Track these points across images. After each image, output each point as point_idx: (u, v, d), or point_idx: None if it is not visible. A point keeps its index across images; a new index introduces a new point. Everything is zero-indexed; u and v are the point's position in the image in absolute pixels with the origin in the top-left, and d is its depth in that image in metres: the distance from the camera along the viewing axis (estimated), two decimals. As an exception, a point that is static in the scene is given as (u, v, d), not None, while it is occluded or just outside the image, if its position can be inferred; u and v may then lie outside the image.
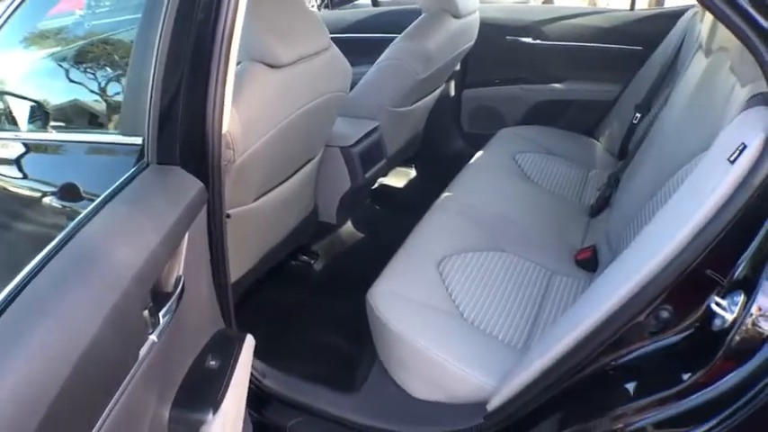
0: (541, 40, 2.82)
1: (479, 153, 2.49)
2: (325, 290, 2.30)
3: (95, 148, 1.43)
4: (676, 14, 2.56)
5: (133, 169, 1.14)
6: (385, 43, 2.46)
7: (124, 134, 1.29)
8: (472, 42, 2.62)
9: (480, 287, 1.72)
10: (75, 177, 1.30)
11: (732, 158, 1.06)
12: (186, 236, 1.11)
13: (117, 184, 1.09)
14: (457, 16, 2.42)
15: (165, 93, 1.14)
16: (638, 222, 1.66)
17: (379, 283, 1.68)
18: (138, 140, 1.20)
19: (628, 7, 2.88)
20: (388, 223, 2.64)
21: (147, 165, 1.16)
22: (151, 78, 1.14)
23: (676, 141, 1.66)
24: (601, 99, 2.78)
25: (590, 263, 1.89)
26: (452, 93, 3.00)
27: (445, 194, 2.12)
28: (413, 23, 2.39)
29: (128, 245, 0.96)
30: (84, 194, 1.27)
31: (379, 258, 1.82)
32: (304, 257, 2.42)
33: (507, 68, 2.91)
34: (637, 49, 2.68)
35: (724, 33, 1.64)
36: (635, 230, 1.65)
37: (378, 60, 2.33)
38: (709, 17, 1.82)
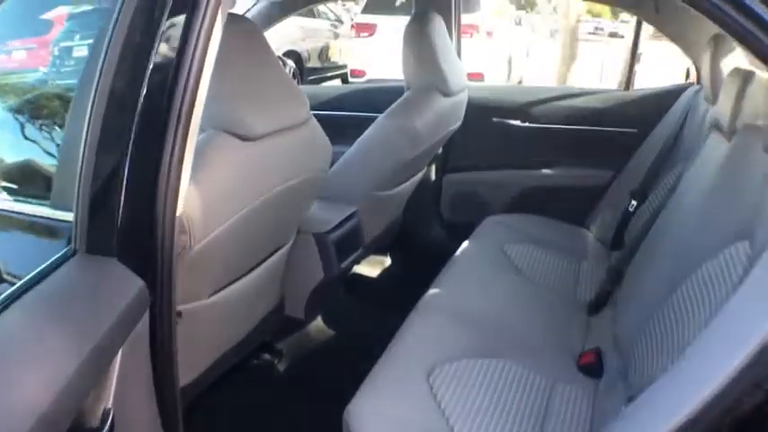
0: (530, 122, 2.68)
1: (465, 243, 2.29)
2: (289, 394, 2.03)
3: (25, 221, 1.18)
4: (675, 93, 2.45)
5: (55, 257, 0.88)
6: (362, 121, 2.28)
7: (55, 207, 1.04)
8: (459, 122, 2.46)
9: (477, 401, 1.47)
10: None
11: None
12: (120, 352, 0.84)
13: (30, 276, 0.83)
14: (446, 94, 2.26)
15: (102, 161, 0.89)
16: (656, 324, 1.46)
17: (359, 398, 1.41)
18: (70, 217, 0.94)
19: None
20: (362, 319, 2.42)
21: (74, 253, 0.90)
22: (83, 140, 0.89)
23: (698, 233, 1.48)
24: (592, 185, 2.62)
25: (594, 368, 1.67)
26: (433, 177, 2.82)
27: (432, 291, 1.89)
28: (398, 100, 2.22)
29: (34, 371, 0.69)
30: (4, 276, 1.01)
31: (351, 359, 1.61)
32: (266, 356, 2.16)
33: (493, 152, 2.75)
34: (631, 132, 2.55)
35: (751, 110, 1.50)
36: (653, 333, 1.45)
37: (359, 139, 2.14)
38: (726, 95, 1.69)
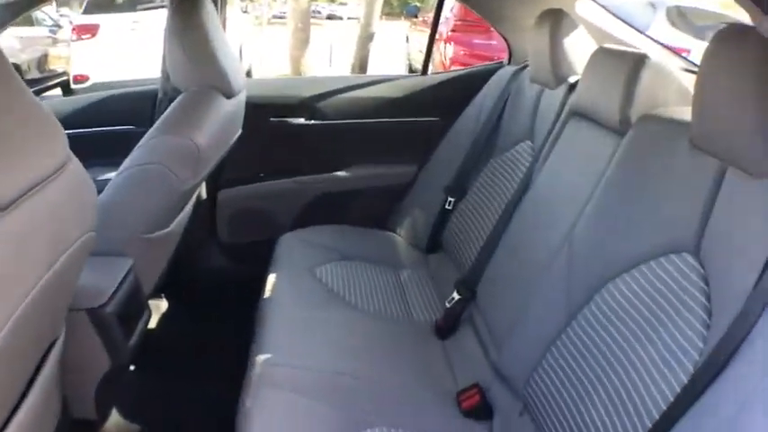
0: (316, 119, 2.31)
1: (271, 278, 1.87)
2: None
3: None
4: (481, 76, 2.27)
5: None
6: (116, 138, 1.81)
7: None
8: (240, 130, 1.99)
9: None
10: None
11: None
12: None
13: None
14: (229, 95, 1.77)
15: None
16: (559, 356, 1.24)
17: None
18: None
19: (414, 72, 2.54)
20: (166, 401, 1.91)
21: None
22: None
23: (600, 241, 1.26)
24: (394, 183, 2.36)
25: (483, 410, 1.43)
26: (204, 195, 2.31)
27: (261, 359, 1.46)
28: (170, 109, 1.67)
29: None
30: None
31: None
32: None
33: (274, 158, 2.35)
34: (434, 121, 2.32)
35: (648, 98, 1.34)
36: (557, 365, 1.24)
37: (121, 168, 1.55)
38: (592, 78, 1.51)
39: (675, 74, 1.43)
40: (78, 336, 1.35)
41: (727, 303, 0.92)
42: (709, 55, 1.02)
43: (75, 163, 1.04)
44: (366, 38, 8.22)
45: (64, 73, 7.71)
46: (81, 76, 7.19)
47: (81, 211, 1.07)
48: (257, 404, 1.32)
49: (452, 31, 7.65)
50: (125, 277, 1.47)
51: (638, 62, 1.36)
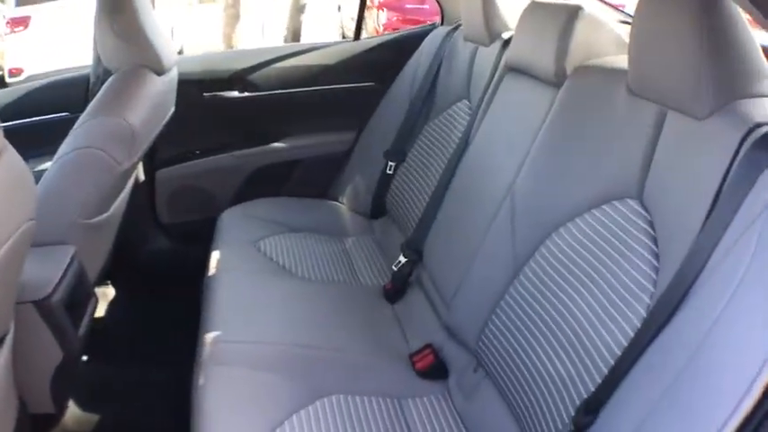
0: (250, 92, 2.25)
1: (214, 255, 1.83)
2: None
3: None
4: (414, 38, 2.24)
5: None
6: (54, 127, 1.73)
7: None
8: (173, 107, 1.93)
9: None
10: None
11: None
12: None
13: None
14: (160, 72, 1.71)
15: None
16: (508, 308, 1.25)
17: None
18: None
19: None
20: (122, 388, 1.88)
21: None
22: None
23: (540, 192, 1.27)
24: (334, 151, 2.33)
25: (437, 369, 1.44)
26: (142, 177, 2.24)
27: (209, 337, 1.43)
28: (102, 91, 1.61)
29: None
30: None
31: None
32: None
33: (210, 134, 2.28)
34: (369, 86, 2.29)
35: (582, 49, 1.33)
36: (505, 319, 1.25)
37: (57, 155, 1.50)
38: (525, 33, 1.51)
39: (611, 25, 1.44)
40: (27, 329, 1.30)
41: (674, 245, 0.92)
42: None
43: (11, 152, 1.00)
44: (298, 9, 8.08)
45: (-3, 67, 7.46)
46: (16, 69, 7.00)
47: (20, 200, 1.03)
48: (209, 382, 1.29)
49: (385, -4, 7.60)
50: (69, 265, 1.42)
51: (572, 14, 1.36)
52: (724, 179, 0.87)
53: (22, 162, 1.04)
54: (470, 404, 1.32)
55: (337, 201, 2.32)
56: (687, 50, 0.92)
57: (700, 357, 0.76)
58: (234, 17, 7.76)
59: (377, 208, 2.16)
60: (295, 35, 8.02)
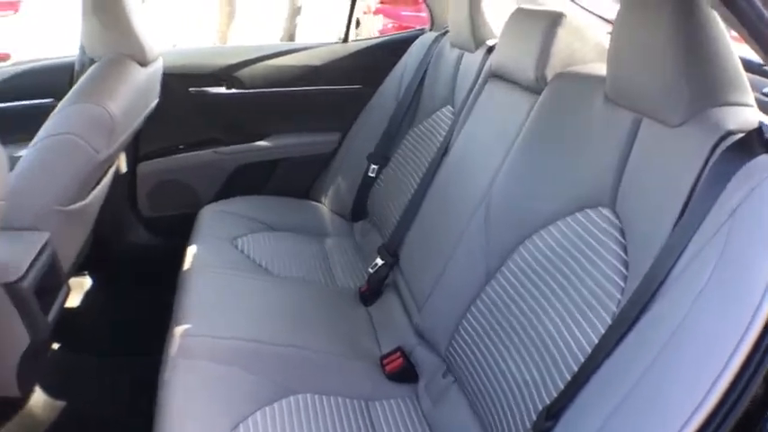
0: (237, 89, 2.24)
1: (191, 249, 1.82)
2: None
3: None
4: (402, 43, 2.24)
5: None
6: (34, 112, 1.72)
7: None
8: (157, 100, 1.92)
9: None
10: None
11: None
12: None
13: None
14: (143, 63, 1.71)
15: None
16: (479, 313, 1.24)
17: None
18: None
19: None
20: (85, 376, 1.86)
21: None
22: None
23: (515, 199, 1.27)
24: (317, 152, 2.33)
25: (407, 373, 1.43)
26: (124, 169, 2.22)
27: (179, 330, 1.42)
28: (83, 78, 1.61)
29: None
30: None
31: None
32: None
33: (194, 129, 2.27)
34: (356, 89, 2.29)
35: (563, 56, 1.33)
36: (476, 323, 1.24)
37: (35, 140, 1.48)
38: (511, 40, 1.51)
39: (593, 31, 1.44)
40: None
41: (643, 253, 0.92)
42: (623, 7, 1.02)
43: None
44: (294, 11, 8.08)
45: (-16, 52, 7.34)
46: (3, 54, 6.60)
47: None
48: (175, 376, 1.28)
49: (381, 2, 7.58)
50: (41, 251, 1.41)
51: (554, 20, 1.36)
52: (694, 187, 0.87)
53: None
54: (437, 409, 1.31)
55: (319, 201, 2.32)
56: (663, 58, 0.93)
57: (661, 363, 0.76)
58: (229, 15, 7.74)
59: (358, 210, 2.16)
60: (290, 38, 8.01)
